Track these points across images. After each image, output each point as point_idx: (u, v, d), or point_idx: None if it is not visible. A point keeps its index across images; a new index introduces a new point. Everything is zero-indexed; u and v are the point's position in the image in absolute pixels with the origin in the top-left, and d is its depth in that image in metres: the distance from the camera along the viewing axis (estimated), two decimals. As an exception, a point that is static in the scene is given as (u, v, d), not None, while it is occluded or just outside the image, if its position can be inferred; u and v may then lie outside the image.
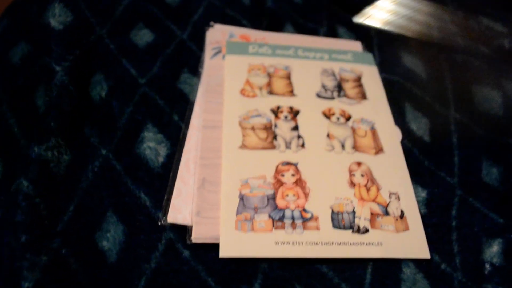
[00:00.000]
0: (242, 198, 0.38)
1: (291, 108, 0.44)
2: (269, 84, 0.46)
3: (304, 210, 0.38)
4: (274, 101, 0.45)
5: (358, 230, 0.37)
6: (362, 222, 0.38)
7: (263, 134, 0.42)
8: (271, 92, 0.45)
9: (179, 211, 0.38)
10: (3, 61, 0.46)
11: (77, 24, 0.47)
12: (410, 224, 0.38)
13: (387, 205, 0.39)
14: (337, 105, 0.45)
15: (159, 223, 0.37)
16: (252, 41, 0.50)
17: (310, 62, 0.49)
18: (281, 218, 0.37)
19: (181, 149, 0.41)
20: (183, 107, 0.44)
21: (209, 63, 0.47)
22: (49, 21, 0.46)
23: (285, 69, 0.48)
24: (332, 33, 0.54)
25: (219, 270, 0.35)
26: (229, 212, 0.37)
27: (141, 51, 0.48)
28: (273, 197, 0.38)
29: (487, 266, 0.38)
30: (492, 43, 0.53)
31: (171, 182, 0.39)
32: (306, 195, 0.38)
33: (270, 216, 0.37)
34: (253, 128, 0.42)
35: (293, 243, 0.36)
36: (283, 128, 0.43)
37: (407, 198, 0.40)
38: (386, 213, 0.39)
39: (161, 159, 0.40)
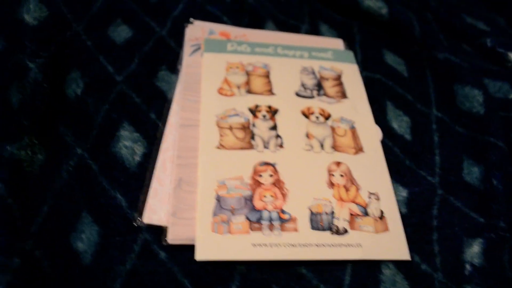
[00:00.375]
0: (218, 199, 0.37)
1: (269, 107, 0.43)
2: (247, 82, 0.46)
3: (282, 211, 0.37)
4: (252, 100, 0.44)
5: (337, 232, 0.37)
6: (341, 223, 0.37)
7: (240, 134, 0.41)
8: (249, 91, 0.45)
9: (155, 211, 0.37)
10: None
11: (52, 20, 0.46)
12: (389, 225, 0.38)
13: (367, 205, 0.39)
14: (317, 104, 0.45)
15: (135, 224, 0.36)
16: (232, 38, 0.49)
17: (290, 60, 0.48)
18: (259, 220, 0.36)
19: (157, 148, 0.40)
20: (160, 105, 0.43)
21: (187, 60, 0.46)
22: (23, 16, 0.45)
23: (263, 67, 0.47)
24: (314, 30, 0.54)
25: (196, 271, 0.35)
26: (205, 214, 0.36)
27: (118, 47, 0.47)
28: (250, 198, 0.37)
29: (468, 266, 0.38)
30: (474, 41, 0.53)
31: (147, 182, 0.38)
32: (284, 196, 0.38)
33: (247, 218, 0.36)
34: (230, 128, 0.41)
35: (270, 245, 0.35)
36: (261, 127, 0.42)
37: (387, 198, 0.39)
38: (366, 213, 0.38)
39: (137, 158, 0.40)
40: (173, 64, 0.46)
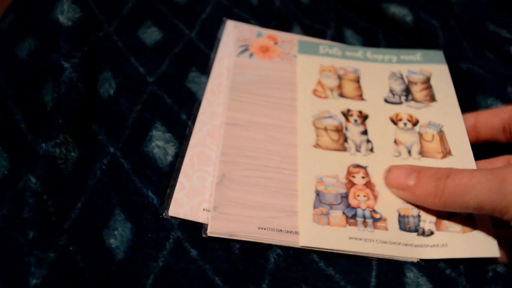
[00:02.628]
0: (318, 193, 0.39)
1: (360, 112, 0.44)
2: (339, 86, 0.46)
3: (374, 211, 0.39)
4: (344, 104, 0.45)
5: (423, 233, 0.38)
6: (427, 225, 0.38)
7: (335, 136, 0.43)
8: (341, 95, 0.46)
9: (181, 205, 0.38)
10: (9, 57, 0.46)
11: (85, 21, 0.47)
12: (478, 224, 0.38)
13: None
14: (405, 110, 0.45)
15: (160, 216, 0.37)
16: (280, 42, 0.50)
17: (378, 65, 0.49)
18: (354, 216, 0.38)
19: (186, 145, 0.41)
20: (191, 106, 0.44)
21: (236, 60, 0.47)
22: (58, 17, 0.46)
23: (354, 72, 0.48)
24: (339, 35, 0.55)
25: (227, 270, 0.35)
26: (307, 206, 0.39)
27: (149, 49, 0.48)
28: (346, 196, 0.39)
29: (490, 273, 0.38)
30: (498, 49, 0.53)
31: (174, 177, 0.39)
32: (375, 197, 0.39)
33: (344, 213, 0.38)
34: (325, 129, 0.43)
35: (365, 239, 0.37)
36: (353, 131, 0.43)
37: None
38: (453, 214, 0.38)
39: (169, 158, 0.41)
40: (203, 65, 0.47)
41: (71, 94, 0.41)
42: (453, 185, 0.34)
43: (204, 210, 0.38)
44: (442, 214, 0.39)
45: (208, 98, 0.44)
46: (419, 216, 0.39)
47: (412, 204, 0.39)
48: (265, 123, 0.43)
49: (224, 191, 0.38)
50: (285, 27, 0.53)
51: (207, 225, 0.37)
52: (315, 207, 0.39)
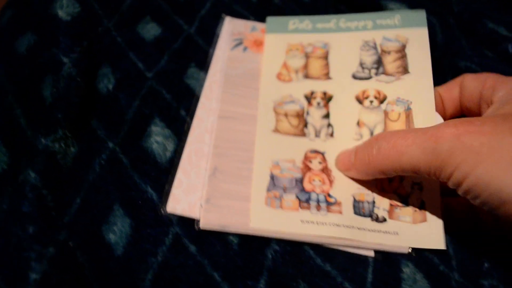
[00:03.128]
0: (272, 177, 0.40)
1: (324, 94, 0.44)
2: (305, 66, 0.46)
3: (329, 195, 0.39)
4: (309, 86, 0.44)
5: (377, 219, 0.38)
6: (381, 212, 0.38)
7: (295, 121, 0.43)
8: (306, 76, 0.45)
9: (179, 201, 0.38)
10: (9, 51, 0.46)
11: (84, 16, 0.47)
12: (428, 216, 0.38)
13: (408, 195, 0.39)
14: (373, 85, 0.43)
15: (159, 213, 0.38)
16: None
17: (351, 34, 0.46)
18: (307, 200, 0.39)
19: (184, 141, 0.41)
20: (189, 102, 0.44)
21: (229, 54, 0.47)
22: (57, 12, 0.46)
23: (323, 47, 0.46)
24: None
25: (225, 265, 0.36)
26: (260, 189, 0.39)
27: (148, 44, 0.48)
28: (300, 180, 0.40)
29: (485, 264, 0.38)
30: (496, 47, 0.54)
31: (172, 173, 0.40)
32: (331, 182, 0.40)
33: (297, 197, 0.39)
34: (286, 115, 0.43)
35: (317, 222, 0.38)
36: (315, 116, 0.43)
37: (430, 189, 0.39)
38: (406, 203, 0.39)
39: (168, 154, 0.41)
40: (202, 61, 0.47)
41: (70, 89, 0.41)
42: (387, 148, 0.34)
43: (201, 206, 0.38)
44: (394, 203, 0.39)
45: (206, 94, 0.44)
46: (373, 202, 0.39)
47: (363, 185, 0.39)
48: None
49: (216, 184, 0.39)
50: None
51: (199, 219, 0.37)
52: (268, 190, 0.39)
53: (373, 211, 0.38)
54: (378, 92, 0.42)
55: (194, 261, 0.36)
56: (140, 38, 0.48)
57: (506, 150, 0.28)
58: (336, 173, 0.40)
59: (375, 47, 0.45)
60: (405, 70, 0.43)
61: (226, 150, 0.41)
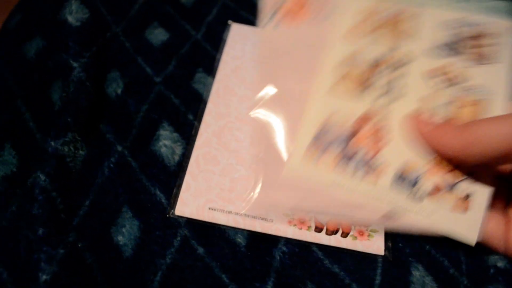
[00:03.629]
0: (321, 130, 0.38)
1: (394, 61, 0.40)
2: (378, 28, 0.42)
3: (373, 160, 0.37)
4: (378, 49, 0.41)
5: (415, 196, 0.36)
6: (421, 191, 0.36)
7: (355, 82, 0.40)
8: (378, 39, 0.42)
9: (187, 205, 0.38)
10: (17, 56, 0.46)
11: (93, 21, 0.48)
12: (470, 208, 0.35)
13: (456, 183, 0.36)
14: (451, 65, 0.40)
15: (167, 216, 0.38)
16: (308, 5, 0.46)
17: (436, 11, 0.42)
18: (348, 160, 0.37)
19: (192, 145, 0.42)
20: (197, 106, 0.44)
21: (261, 34, 0.45)
22: (66, 17, 0.46)
23: (400, 14, 0.43)
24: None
25: (233, 267, 0.36)
26: (305, 139, 0.38)
27: (156, 50, 0.48)
28: (348, 140, 0.38)
29: (492, 270, 0.38)
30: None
31: (180, 176, 0.40)
32: (379, 148, 0.37)
33: (339, 155, 0.37)
34: (348, 75, 0.40)
35: (348, 187, 0.36)
36: (379, 80, 0.40)
37: (483, 184, 0.36)
38: (451, 189, 0.36)
39: (177, 157, 0.41)
40: (209, 66, 0.47)
41: (80, 93, 0.42)
42: (479, 123, 0.32)
43: (209, 209, 0.38)
44: (439, 185, 0.36)
45: (213, 99, 0.45)
46: (417, 178, 0.36)
47: (416, 157, 0.37)
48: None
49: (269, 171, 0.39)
50: (290, 29, 0.53)
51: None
52: (314, 140, 0.38)
53: (413, 187, 0.36)
54: (454, 74, 0.39)
55: (203, 263, 0.36)
56: (148, 44, 0.48)
57: None
58: (390, 139, 0.37)
59: (469, 27, 0.41)
60: (493, 58, 0.39)
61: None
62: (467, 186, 0.36)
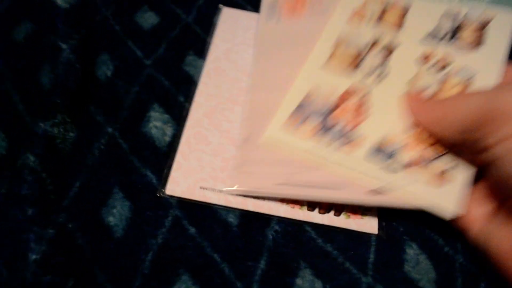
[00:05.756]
0: (303, 102, 0.40)
1: (389, 44, 0.43)
2: (383, 12, 0.45)
3: (352, 132, 0.38)
4: (378, 32, 0.43)
5: (389, 167, 0.37)
6: (396, 164, 0.37)
7: (349, 59, 0.42)
8: (380, 18, 0.44)
9: (178, 184, 0.38)
10: (7, 40, 0.46)
11: (82, 4, 0.47)
12: (445, 183, 0.36)
13: (434, 159, 0.37)
14: (442, 49, 0.42)
15: (158, 195, 0.38)
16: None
17: (437, 4, 0.45)
18: (327, 130, 0.39)
19: (183, 125, 0.41)
20: (188, 88, 0.44)
21: (264, 26, 0.46)
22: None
23: (405, 4, 0.45)
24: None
25: (225, 247, 0.36)
26: (288, 107, 0.40)
27: (146, 33, 0.48)
28: (331, 111, 0.39)
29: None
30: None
31: (171, 156, 0.40)
32: (359, 122, 0.39)
33: (318, 125, 0.39)
34: (343, 51, 0.43)
35: (323, 156, 0.38)
36: (372, 60, 0.42)
37: (464, 162, 0.37)
38: (427, 165, 0.37)
39: (167, 138, 0.41)
40: (200, 49, 0.47)
41: (69, 75, 0.41)
42: (451, 100, 0.34)
43: (200, 188, 0.38)
44: (417, 161, 0.37)
45: (204, 80, 0.44)
46: (394, 154, 0.37)
47: (396, 130, 0.38)
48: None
49: (246, 152, 0.39)
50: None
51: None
52: (293, 113, 0.40)
53: (388, 159, 0.37)
54: (443, 58, 0.41)
55: (194, 243, 0.36)
56: (138, 27, 0.48)
57: None
58: (371, 114, 0.39)
59: (456, 18, 0.43)
60: (478, 43, 0.42)
61: (257, 120, 0.40)
62: (444, 163, 0.37)
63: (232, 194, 0.38)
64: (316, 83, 0.41)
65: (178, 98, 0.43)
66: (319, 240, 0.37)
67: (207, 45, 0.47)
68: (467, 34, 0.42)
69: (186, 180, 0.38)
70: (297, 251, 0.36)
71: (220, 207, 0.38)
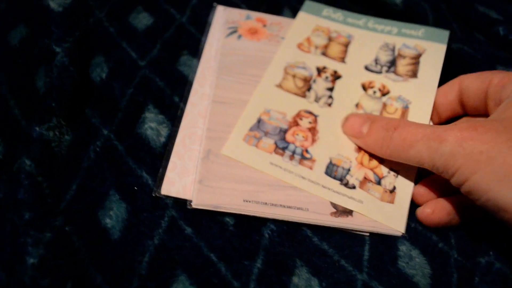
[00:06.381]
0: (259, 121, 0.42)
1: (335, 72, 0.46)
2: (326, 46, 0.48)
3: (307, 151, 0.41)
4: (323, 62, 0.47)
5: (346, 184, 0.39)
6: (352, 180, 0.40)
7: (300, 83, 0.45)
8: (324, 54, 0.48)
9: (173, 184, 0.39)
10: (2, 44, 0.46)
11: (76, 6, 0.47)
12: (396, 200, 0.39)
13: (383, 177, 0.40)
14: (381, 79, 0.46)
15: (153, 195, 0.38)
16: (268, 25, 0.51)
17: (375, 34, 0.50)
18: (284, 148, 0.40)
19: (178, 125, 0.42)
20: (183, 88, 0.44)
21: (224, 41, 0.48)
22: (48, 3, 0.46)
23: (347, 37, 0.49)
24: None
25: (222, 246, 0.36)
26: (244, 127, 0.41)
27: (140, 34, 0.48)
28: (285, 131, 0.41)
29: (482, 243, 0.38)
30: (487, 30, 0.54)
31: (166, 157, 0.40)
32: (313, 141, 0.41)
33: (275, 143, 0.41)
34: (294, 76, 0.45)
35: (285, 169, 0.39)
36: (320, 85, 0.45)
37: (405, 179, 0.40)
38: (379, 183, 0.40)
39: (162, 139, 0.41)
40: (194, 49, 0.47)
41: (64, 78, 0.41)
42: (399, 139, 0.36)
43: (194, 186, 0.38)
44: (369, 178, 0.40)
45: (199, 80, 0.45)
46: (349, 170, 0.40)
47: (344, 153, 0.41)
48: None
49: (209, 166, 0.39)
50: (276, 11, 0.53)
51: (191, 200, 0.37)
52: (251, 130, 0.41)
53: (345, 177, 0.40)
54: (383, 86, 0.45)
55: (191, 243, 0.36)
56: (132, 28, 0.48)
57: (502, 162, 0.30)
58: (322, 136, 0.42)
59: (393, 50, 0.48)
60: (413, 74, 0.46)
61: (220, 134, 0.41)
62: (391, 180, 0.40)
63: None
64: (270, 103, 0.43)
65: (173, 98, 0.43)
66: (315, 239, 0.37)
67: (201, 44, 0.47)
68: (402, 66, 0.47)
69: (181, 180, 0.39)
70: (293, 250, 0.36)
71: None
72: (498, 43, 0.53)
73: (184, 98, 0.43)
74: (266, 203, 0.38)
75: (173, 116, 0.42)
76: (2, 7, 0.49)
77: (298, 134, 0.41)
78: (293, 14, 0.53)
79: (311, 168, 0.40)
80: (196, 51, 0.47)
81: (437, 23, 0.53)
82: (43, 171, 0.37)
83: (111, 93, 0.43)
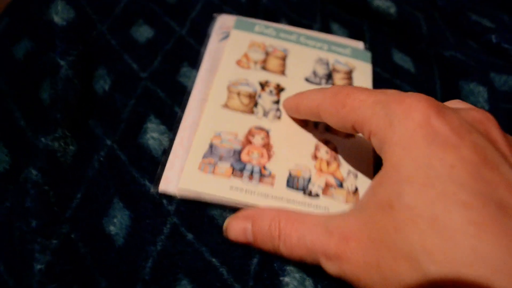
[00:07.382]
0: (211, 146, 0.41)
1: (278, 85, 0.47)
2: (264, 61, 0.49)
3: (264, 167, 0.41)
4: (265, 76, 0.48)
5: (310, 194, 0.40)
6: (315, 188, 0.40)
7: (246, 100, 0.45)
8: (264, 68, 0.49)
9: (171, 181, 0.40)
10: (7, 58, 0.47)
11: (79, 21, 0.49)
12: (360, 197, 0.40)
13: (344, 180, 0.41)
14: None
15: (150, 192, 0.39)
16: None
17: (308, 49, 0.51)
18: (241, 169, 0.40)
19: (176, 128, 0.43)
20: (183, 99, 0.45)
21: (217, 45, 0.50)
22: (53, 17, 0.47)
23: (283, 51, 0.50)
24: (325, 29, 0.56)
25: (223, 251, 0.37)
26: (197, 155, 0.41)
27: (141, 46, 0.49)
28: (239, 152, 0.42)
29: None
30: (480, 38, 0.55)
31: (164, 158, 0.41)
32: (269, 156, 0.42)
33: (231, 165, 0.41)
34: (238, 94, 0.46)
35: (246, 191, 0.39)
36: (266, 100, 0.46)
37: (365, 177, 0.42)
38: (341, 186, 0.41)
39: (164, 148, 0.42)
40: (194, 60, 0.48)
41: (68, 90, 0.43)
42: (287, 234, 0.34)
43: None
44: (331, 183, 0.41)
45: (197, 86, 0.46)
46: (309, 179, 0.41)
47: (302, 163, 0.42)
48: None
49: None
50: (273, 21, 0.54)
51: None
52: (204, 157, 0.41)
53: (307, 186, 0.40)
54: None
55: (193, 249, 0.37)
56: (134, 41, 0.50)
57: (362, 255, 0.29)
58: (277, 150, 0.42)
59: (327, 64, 0.50)
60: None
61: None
62: (352, 182, 0.41)
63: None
64: (219, 125, 0.43)
65: (173, 108, 0.45)
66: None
67: (200, 55, 0.49)
68: (338, 79, 0.49)
69: (178, 178, 0.40)
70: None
71: (216, 209, 0.39)
72: (490, 51, 0.54)
73: (183, 105, 0.45)
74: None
75: (174, 127, 0.43)
76: (6, 21, 0.51)
77: (253, 152, 0.42)
78: (290, 24, 0.55)
79: (272, 184, 0.40)
80: (195, 63, 0.48)
81: (431, 32, 0.54)
82: (49, 180, 0.38)
83: (114, 105, 0.44)
